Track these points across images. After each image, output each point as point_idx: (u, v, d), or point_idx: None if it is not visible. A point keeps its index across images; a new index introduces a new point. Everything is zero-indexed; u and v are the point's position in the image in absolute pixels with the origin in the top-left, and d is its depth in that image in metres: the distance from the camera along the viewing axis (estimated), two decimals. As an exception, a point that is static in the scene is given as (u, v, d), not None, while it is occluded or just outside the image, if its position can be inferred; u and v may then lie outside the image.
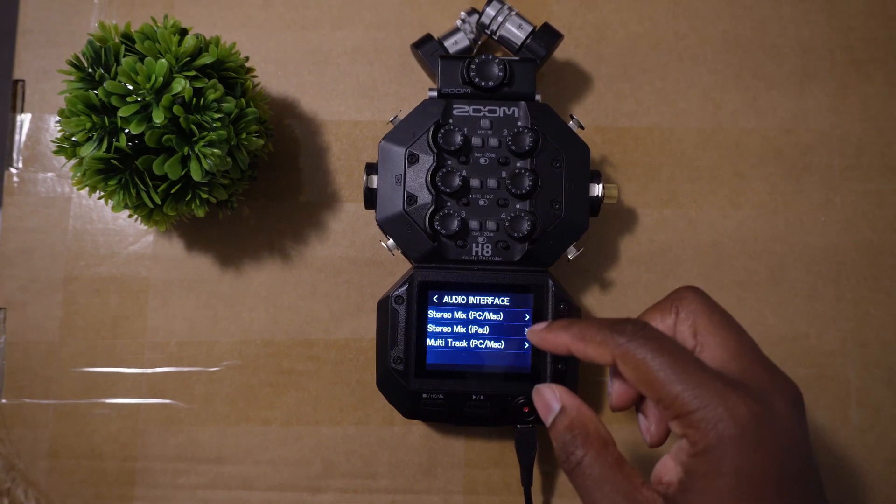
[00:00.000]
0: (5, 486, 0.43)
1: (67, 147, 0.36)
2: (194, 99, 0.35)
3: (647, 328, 0.28)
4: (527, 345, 0.39)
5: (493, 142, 0.39)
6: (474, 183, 0.39)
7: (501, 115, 0.39)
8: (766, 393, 0.26)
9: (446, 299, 0.39)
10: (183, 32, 0.38)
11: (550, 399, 0.31)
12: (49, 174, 0.45)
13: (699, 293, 0.31)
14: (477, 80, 0.39)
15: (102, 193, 0.37)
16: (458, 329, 0.39)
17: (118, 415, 0.44)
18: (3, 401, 0.44)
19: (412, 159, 0.39)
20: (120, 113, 0.34)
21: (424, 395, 0.38)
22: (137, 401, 0.44)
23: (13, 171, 0.45)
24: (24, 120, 0.46)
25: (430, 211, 0.38)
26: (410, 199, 0.38)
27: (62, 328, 0.44)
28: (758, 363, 0.28)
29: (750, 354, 0.28)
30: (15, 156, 0.46)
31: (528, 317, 0.38)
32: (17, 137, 0.46)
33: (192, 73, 0.36)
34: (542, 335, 0.32)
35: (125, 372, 0.44)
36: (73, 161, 0.37)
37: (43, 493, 0.43)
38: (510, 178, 0.38)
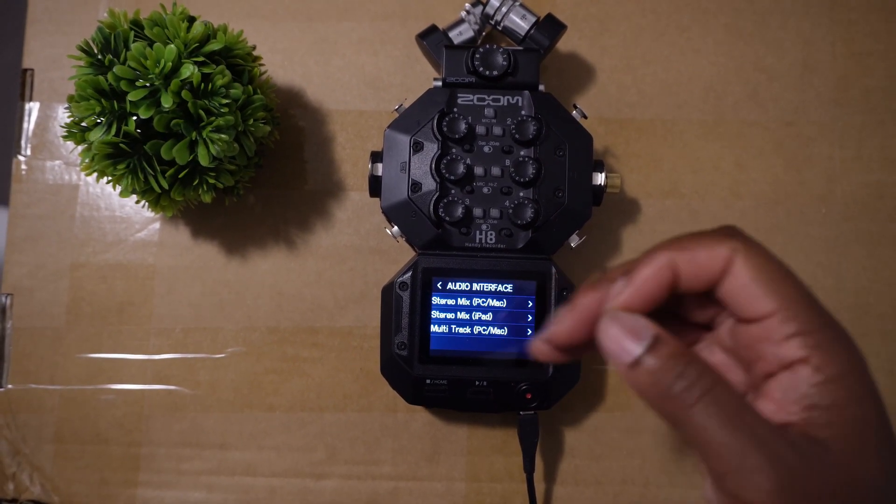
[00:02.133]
0: (11, 470, 0.43)
1: (77, 132, 0.37)
2: (202, 84, 0.36)
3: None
4: (530, 331, 0.39)
5: (497, 130, 0.39)
6: (478, 171, 0.39)
7: (505, 104, 0.40)
8: (824, 423, 0.22)
9: (450, 286, 0.39)
10: (191, 20, 0.38)
11: (637, 327, 0.23)
12: (57, 162, 0.46)
13: (739, 238, 0.24)
14: (481, 69, 0.39)
15: (110, 178, 0.37)
16: (462, 316, 0.39)
17: (123, 400, 0.44)
18: (10, 386, 0.44)
19: (417, 147, 0.39)
20: (129, 98, 0.35)
21: (428, 382, 0.38)
22: (142, 387, 0.44)
23: (21, 158, 0.46)
24: (33, 108, 0.46)
25: (434, 198, 0.38)
26: (415, 186, 0.39)
27: (68, 314, 0.45)
28: (819, 337, 0.22)
29: (807, 323, 0.23)
30: (23, 144, 0.46)
31: (530, 304, 0.39)
32: (25, 125, 0.46)
33: (201, 59, 0.36)
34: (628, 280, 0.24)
35: (131, 358, 0.44)
36: (81, 146, 0.37)
37: (48, 478, 0.43)
38: (514, 167, 0.39)
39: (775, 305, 0.22)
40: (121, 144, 0.36)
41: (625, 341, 0.23)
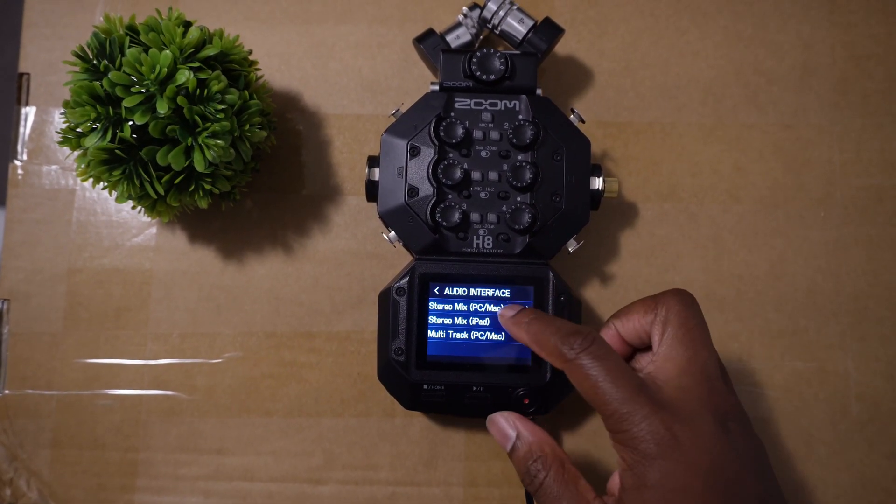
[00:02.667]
0: (8, 476, 0.43)
1: (72, 138, 0.37)
2: (198, 90, 0.36)
3: (595, 343, 0.30)
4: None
5: (495, 135, 0.39)
6: (475, 175, 0.39)
7: (503, 108, 0.39)
8: (693, 413, 0.28)
9: (447, 291, 0.39)
10: (187, 25, 0.38)
11: (505, 427, 0.34)
12: (53, 167, 0.46)
13: (683, 301, 0.32)
14: (478, 73, 0.39)
15: (106, 184, 0.37)
16: (459, 321, 0.39)
17: (121, 406, 0.44)
18: (7, 391, 0.44)
19: (414, 152, 0.39)
20: (124, 103, 0.35)
21: (425, 387, 0.38)
22: (140, 392, 0.44)
23: (17, 163, 0.46)
24: (29, 113, 0.46)
25: (431, 203, 0.38)
26: (412, 191, 0.39)
27: (65, 319, 0.44)
28: (699, 384, 0.30)
29: (695, 373, 0.30)
30: (19, 148, 0.46)
31: (528, 309, 0.39)
32: (21, 130, 0.46)
33: (197, 64, 0.36)
34: (507, 323, 0.35)
35: (128, 363, 0.44)
36: (77, 152, 0.37)
37: (45, 484, 0.43)
38: (511, 171, 0.38)
39: (598, 410, 0.30)
40: (116, 150, 0.36)
41: (501, 436, 0.34)
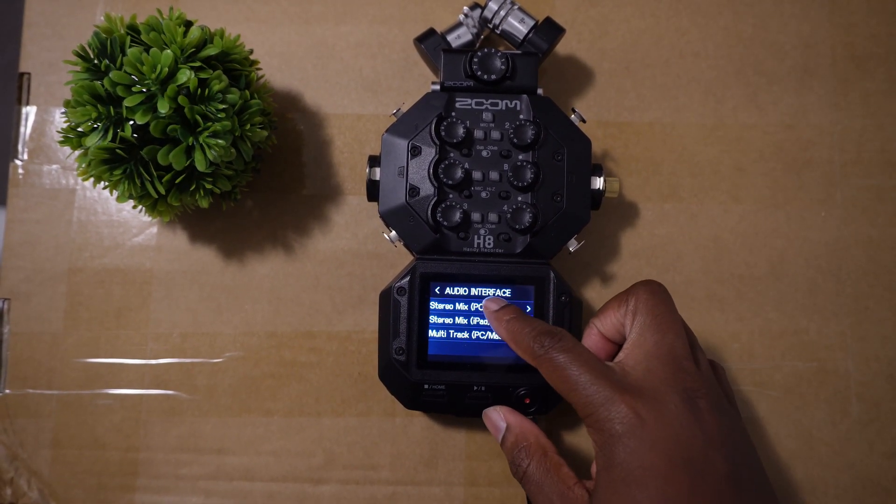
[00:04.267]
0: (8, 475, 0.43)
1: (73, 137, 0.37)
2: (199, 90, 0.36)
3: (563, 340, 0.32)
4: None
5: (496, 134, 0.39)
6: (476, 175, 0.39)
7: (503, 108, 0.39)
8: (658, 394, 0.30)
9: (448, 291, 0.39)
10: (188, 24, 0.38)
11: (497, 420, 0.36)
12: (54, 166, 0.46)
13: (651, 290, 0.34)
14: (479, 73, 0.39)
15: (107, 184, 0.37)
16: (460, 320, 0.39)
17: (121, 405, 0.44)
18: (7, 391, 0.44)
19: (415, 151, 0.39)
20: (125, 103, 0.35)
21: (426, 387, 0.38)
22: (140, 392, 0.44)
23: (18, 162, 0.46)
24: (30, 112, 0.46)
25: (432, 203, 0.38)
26: (413, 191, 0.39)
27: (66, 319, 0.44)
28: (665, 365, 0.31)
29: (661, 356, 0.31)
30: (20, 148, 0.46)
31: (529, 308, 0.39)
32: (22, 129, 0.46)
33: (197, 64, 0.36)
34: (490, 316, 0.37)
35: (128, 363, 0.44)
36: (78, 151, 0.37)
37: (46, 483, 0.43)
38: (512, 171, 0.38)
39: (570, 400, 0.32)
40: (117, 150, 0.36)
41: (493, 428, 0.37)
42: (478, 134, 0.39)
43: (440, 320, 0.39)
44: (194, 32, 0.36)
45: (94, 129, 0.36)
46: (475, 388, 0.38)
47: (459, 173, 0.38)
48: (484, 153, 0.39)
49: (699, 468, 0.28)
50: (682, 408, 0.29)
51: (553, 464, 0.33)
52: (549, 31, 0.42)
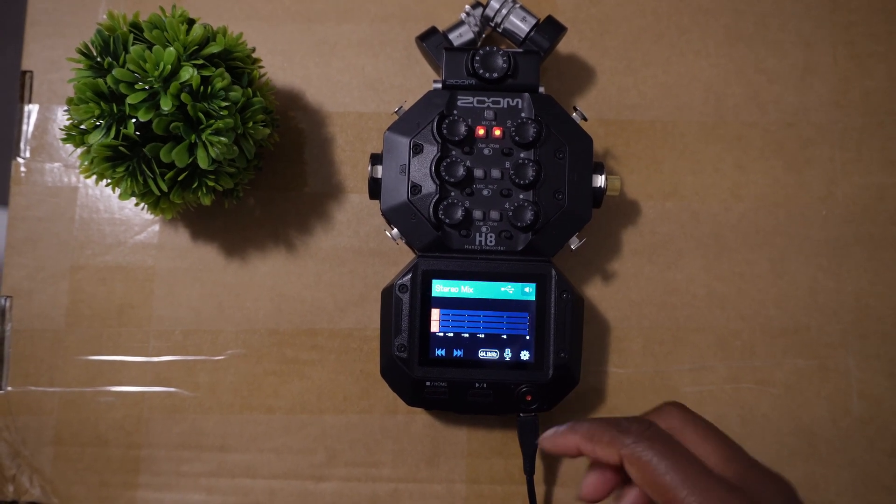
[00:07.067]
0: (11, 472, 0.43)
1: (76, 135, 0.37)
2: (202, 87, 0.36)
3: (652, 428, 0.29)
4: (528, 336, 0.39)
5: (497, 133, 0.39)
6: (478, 173, 0.39)
7: (505, 106, 0.39)
8: (762, 496, 0.27)
9: (450, 288, 0.39)
10: (191, 22, 0.38)
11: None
12: (56, 164, 0.46)
13: (681, 407, 0.31)
14: (481, 71, 0.39)
15: (110, 181, 0.37)
16: (462, 318, 0.39)
17: (123, 402, 0.44)
18: (9, 388, 0.44)
19: (417, 149, 0.39)
20: (128, 100, 0.35)
21: (428, 384, 0.38)
22: (142, 389, 0.44)
23: (20, 160, 0.46)
24: (32, 110, 0.46)
25: (434, 200, 0.38)
26: (415, 188, 0.39)
27: (68, 316, 0.45)
28: (751, 468, 0.29)
29: (742, 460, 0.29)
30: (22, 146, 0.46)
31: (527, 318, 0.39)
32: (24, 128, 0.46)
33: (200, 61, 0.36)
34: (554, 440, 0.31)
35: (130, 360, 0.44)
36: (81, 149, 0.37)
37: (48, 480, 0.43)
38: (514, 169, 0.39)
39: (661, 500, 0.27)
40: (120, 147, 0.36)
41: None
42: (479, 132, 0.39)
43: (442, 317, 0.39)
44: (197, 30, 0.37)
45: (97, 126, 0.36)
46: (477, 385, 0.38)
47: (461, 171, 0.38)
48: (486, 151, 0.39)
49: None
50: None
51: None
52: (550, 29, 0.42)
